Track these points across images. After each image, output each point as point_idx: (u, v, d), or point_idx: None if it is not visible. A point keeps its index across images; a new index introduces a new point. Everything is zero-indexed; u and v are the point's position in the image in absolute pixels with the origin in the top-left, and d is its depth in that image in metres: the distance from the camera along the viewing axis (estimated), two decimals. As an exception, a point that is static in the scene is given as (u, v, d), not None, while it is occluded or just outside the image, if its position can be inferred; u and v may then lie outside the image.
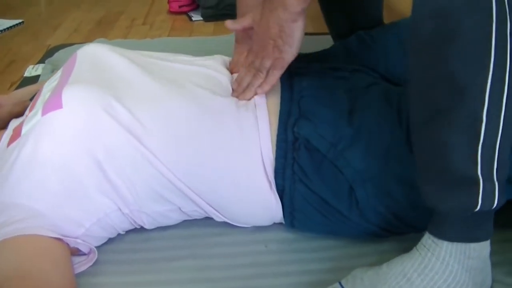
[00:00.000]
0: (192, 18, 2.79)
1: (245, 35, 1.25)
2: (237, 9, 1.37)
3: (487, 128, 0.83)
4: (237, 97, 1.16)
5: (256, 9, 1.15)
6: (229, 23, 1.24)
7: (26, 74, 2.10)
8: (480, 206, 0.86)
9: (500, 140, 0.84)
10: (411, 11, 0.86)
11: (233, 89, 1.19)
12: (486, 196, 0.86)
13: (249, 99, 1.15)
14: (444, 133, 0.85)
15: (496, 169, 0.86)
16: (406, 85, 0.94)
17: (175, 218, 1.16)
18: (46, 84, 1.25)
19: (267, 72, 1.15)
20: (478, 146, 0.84)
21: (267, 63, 1.14)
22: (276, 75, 1.14)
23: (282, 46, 1.11)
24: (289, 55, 1.12)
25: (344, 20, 1.53)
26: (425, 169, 0.92)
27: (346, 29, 1.48)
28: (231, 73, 1.25)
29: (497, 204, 0.87)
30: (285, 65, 1.14)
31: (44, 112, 1.04)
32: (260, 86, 1.15)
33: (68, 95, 1.04)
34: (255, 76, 1.16)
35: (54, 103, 1.04)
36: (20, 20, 2.81)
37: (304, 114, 1.12)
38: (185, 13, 2.87)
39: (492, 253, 0.94)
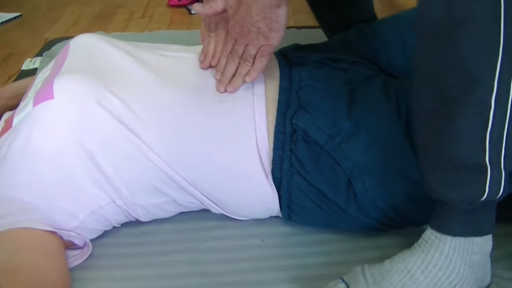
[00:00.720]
0: (192, 11, 2.77)
1: (220, 20, 1.16)
2: None
3: (495, 115, 0.83)
4: (224, 88, 1.11)
5: None
6: (198, 7, 1.14)
7: (24, 67, 2.09)
8: (487, 195, 0.86)
9: (508, 127, 0.84)
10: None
11: (217, 80, 1.13)
12: (494, 184, 0.86)
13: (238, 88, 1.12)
14: (453, 122, 0.84)
15: (504, 156, 0.85)
16: (411, 76, 0.92)
17: (170, 210, 1.15)
18: (39, 75, 1.24)
19: (253, 59, 1.10)
20: (486, 132, 0.83)
21: (253, 51, 1.09)
22: (264, 62, 1.10)
23: (268, 33, 1.06)
24: (277, 40, 1.08)
25: (335, 17, 1.51)
26: (431, 158, 0.90)
27: (338, 26, 1.46)
28: (209, 66, 1.17)
29: (502, 193, 0.87)
30: (273, 51, 1.10)
31: (35, 103, 1.03)
32: (247, 74, 1.11)
33: (60, 86, 1.03)
34: (241, 65, 1.11)
35: (46, 93, 1.03)
36: (18, 13, 2.79)
37: (303, 105, 1.10)
38: (184, 6, 2.85)
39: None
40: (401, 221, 1.08)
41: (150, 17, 2.75)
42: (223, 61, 1.13)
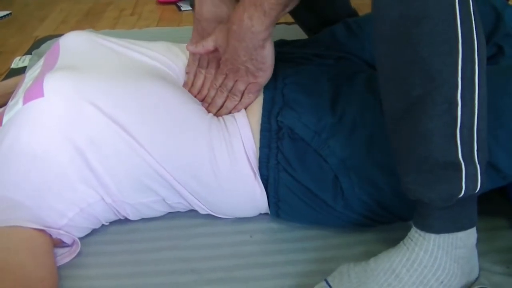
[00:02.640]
0: (181, 8, 2.77)
1: (213, 59, 1.20)
2: (195, 20, 1.28)
3: (463, 111, 0.83)
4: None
5: (219, 32, 1.12)
6: (191, 47, 1.17)
7: (13, 65, 2.09)
8: (464, 191, 0.85)
9: (477, 122, 0.84)
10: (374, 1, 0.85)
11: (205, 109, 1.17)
12: (469, 179, 0.85)
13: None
14: (421, 122, 0.84)
15: (477, 151, 0.85)
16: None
17: (159, 209, 1.15)
18: (29, 72, 1.24)
19: (242, 94, 1.15)
20: (456, 130, 0.83)
21: (242, 87, 1.14)
22: (251, 98, 1.15)
23: (255, 72, 1.11)
24: (264, 78, 1.13)
25: (310, 16, 1.51)
26: (406, 160, 0.90)
27: (315, 24, 1.46)
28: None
29: (480, 188, 0.87)
30: (261, 88, 1.15)
31: (25, 101, 1.03)
32: (234, 107, 1.15)
33: (50, 83, 1.02)
34: (229, 99, 1.15)
35: (36, 91, 1.02)
36: (8, 12, 2.78)
37: (288, 103, 1.11)
38: (174, 3, 2.85)
39: (479, 242, 0.93)
40: (387, 216, 1.08)
41: (140, 14, 2.75)
42: (212, 93, 1.17)
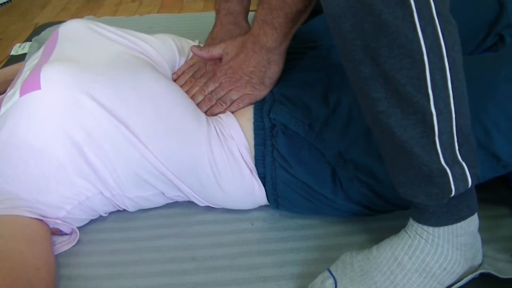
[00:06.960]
0: (182, -5, 2.76)
1: (209, 70, 1.20)
2: (209, 38, 1.33)
3: (439, 120, 0.79)
4: None
5: (230, 42, 1.16)
6: (195, 49, 1.19)
7: (13, 52, 2.07)
8: (455, 191, 0.84)
9: (456, 124, 0.81)
10: (324, 10, 0.79)
11: None
12: (458, 180, 0.83)
13: None
14: (395, 133, 0.81)
15: (459, 150, 0.82)
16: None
17: (158, 201, 1.15)
18: (28, 62, 1.22)
19: (232, 102, 1.15)
20: (435, 138, 0.80)
21: (235, 96, 1.14)
22: (240, 107, 1.15)
23: (257, 84, 1.13)
24: (263, 93, 1.14)
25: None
26: (392, 165, 0.89)
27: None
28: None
29: (472, 182, 0.85)
30: (254, 101, 1.15)
31: (22, 93, 1.01)
32: (219, 112, 1.16)
33: (47, 75, 1.00)
34: (217, 105, 1.15)
35: (32, 83, 1.00)
36: (8, -1, 2.78)
37: (278, 99, 1.11)
38: (175, -10, 2.84)
39: (482, 230, 0.92)
40: (387, 206, 1.06)
41: (141, 1, 2.74)
42: (199, 98, 1.17)
